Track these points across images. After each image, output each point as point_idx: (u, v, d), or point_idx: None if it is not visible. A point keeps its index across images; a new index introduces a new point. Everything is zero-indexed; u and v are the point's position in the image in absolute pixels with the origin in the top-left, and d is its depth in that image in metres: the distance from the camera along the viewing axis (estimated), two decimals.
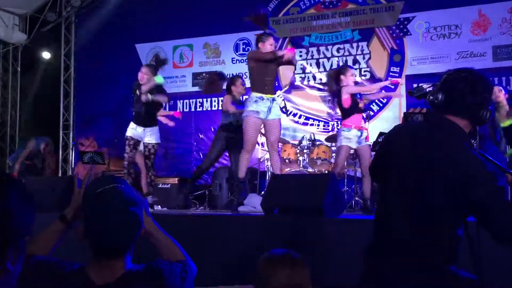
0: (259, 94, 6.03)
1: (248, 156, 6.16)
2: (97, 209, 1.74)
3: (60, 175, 10.88)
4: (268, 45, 6.14)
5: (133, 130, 6.84)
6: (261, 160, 8.47)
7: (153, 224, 1.98)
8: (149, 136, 6.90)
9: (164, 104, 7.57)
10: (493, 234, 2.10)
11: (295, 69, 9.28)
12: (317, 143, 8.11)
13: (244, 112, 6.16)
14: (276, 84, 9.66)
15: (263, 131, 6.48)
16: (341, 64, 9.32)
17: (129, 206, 1.75)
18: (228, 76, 8.36)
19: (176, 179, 9.03)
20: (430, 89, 2.55)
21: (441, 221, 2.18)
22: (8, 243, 1.01)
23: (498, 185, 2.09)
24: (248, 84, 6.65)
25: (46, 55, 11.72)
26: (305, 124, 9.41)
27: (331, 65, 9.43)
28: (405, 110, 8.28)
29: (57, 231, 1.98)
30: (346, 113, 6.39)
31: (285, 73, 9.72)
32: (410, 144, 2.30)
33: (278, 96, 6.26)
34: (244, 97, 7.34)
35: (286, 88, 9.64)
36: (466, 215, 2.21)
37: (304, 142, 8.18)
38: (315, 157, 7.77)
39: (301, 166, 7.95)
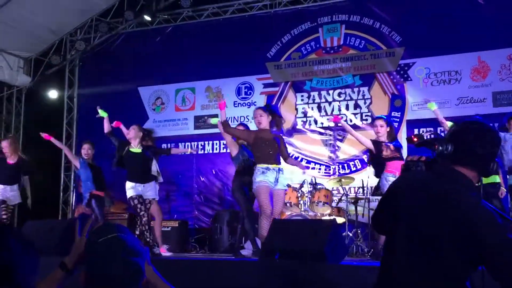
0: (265, 165, 6.10)
1: (267, 221, 5.91)
2: (100, 258, 1.73)
3: (60, 217, 10.82)
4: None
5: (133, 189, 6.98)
6: None
7: (154, 274, 1.96)
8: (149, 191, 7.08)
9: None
10: (505, 285, 2.08)
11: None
12: (318, 186, 8.09)
13: (253, 184, 6.14)
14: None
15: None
16: (342, 108, 9.40)
17: (131, 256, 1.74)
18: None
19: (177, 222, 8.98)
20: (432, 136, 2.55)
21: (450, 273, 2.15)
22: None
23: (510, 237, 2.08)
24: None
25: (53, 94, 11.74)
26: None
27: (333, 109, 9.50)
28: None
29: (57, 279, 1.95)
30: None
31: (286, 116, 9.78)
32: (419, 195, 2.28)
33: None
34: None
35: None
36: (476, 267, 2.19)
37: (306, 186, 8.17)
38: (316, 201, 7.75)
39: (302, 209, 7.92)
